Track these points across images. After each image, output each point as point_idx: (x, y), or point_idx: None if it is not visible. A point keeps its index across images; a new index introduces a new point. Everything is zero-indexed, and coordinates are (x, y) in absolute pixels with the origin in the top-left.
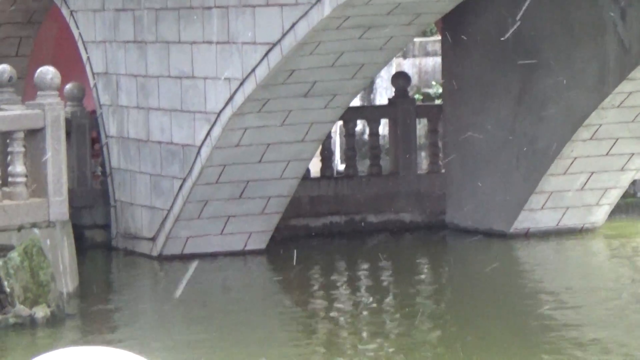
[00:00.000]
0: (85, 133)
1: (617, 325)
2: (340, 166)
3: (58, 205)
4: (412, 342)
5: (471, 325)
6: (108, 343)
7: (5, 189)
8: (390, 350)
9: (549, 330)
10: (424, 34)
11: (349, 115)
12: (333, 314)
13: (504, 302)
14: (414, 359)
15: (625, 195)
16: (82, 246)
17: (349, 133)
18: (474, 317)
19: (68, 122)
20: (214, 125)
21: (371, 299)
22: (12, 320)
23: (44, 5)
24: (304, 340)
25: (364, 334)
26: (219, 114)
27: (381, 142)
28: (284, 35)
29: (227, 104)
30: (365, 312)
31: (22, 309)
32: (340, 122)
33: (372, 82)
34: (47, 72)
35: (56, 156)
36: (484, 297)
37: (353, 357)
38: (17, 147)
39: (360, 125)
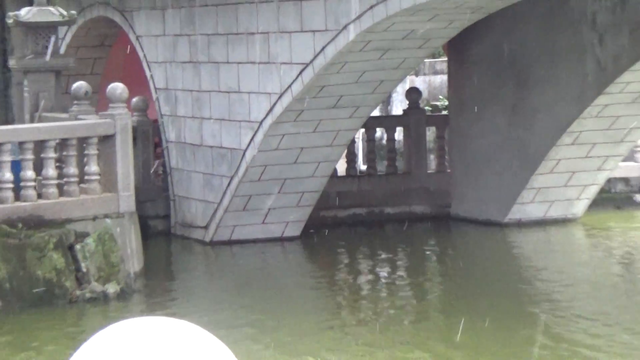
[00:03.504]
0: (149, 138)
1: (600, 297)
2: (363, 166)
3: (126, 199)
4: (420, 316)
5: (474, 303)
6: (169, 315)
7: (82, 185)
8: (406, 323)
9: (549, 306)
10: (433, 55)
11: (370, 124)
12: (357, 290)
13: (502, 282)
14: (421, 328)
15: (601, 191)
16: (147, 233)
17: (369, 139)
18: (477, 296)
19: (134, 129)
20: (257, 132)
21: (389, 279)
22: (88, 295)
23: (114, 31)
24: (334, 313)
25: (383, 313)
26: (261, 123)
27: (397, 146)
28: (315, 56)
29: (267, 114)
30: (383, 292)
31: (96, 286)
32: (363, 130)
33: (389, 96)
34: (117, 87)
35: (124, 158)
36: (485, 278)
37: (374, 331)
38: (92, 150)
39: (379, 132)
